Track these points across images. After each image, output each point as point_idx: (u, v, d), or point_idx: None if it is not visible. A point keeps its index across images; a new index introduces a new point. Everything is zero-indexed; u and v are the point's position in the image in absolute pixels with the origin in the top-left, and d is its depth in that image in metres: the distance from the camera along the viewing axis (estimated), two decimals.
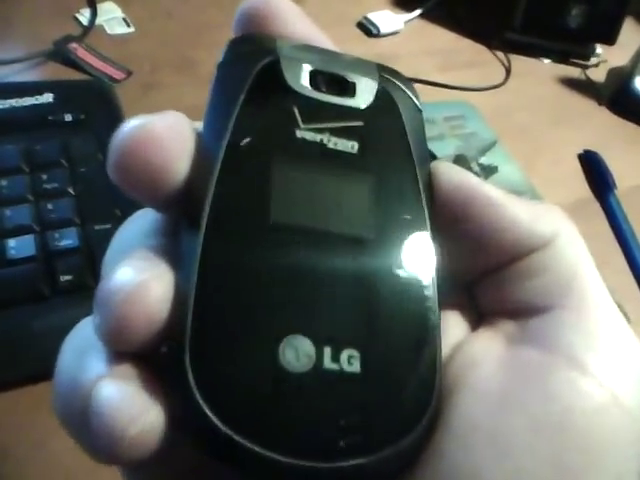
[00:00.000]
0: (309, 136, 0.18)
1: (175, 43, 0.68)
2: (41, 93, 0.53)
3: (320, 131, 0.18)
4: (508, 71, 0.76)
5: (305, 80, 0.19)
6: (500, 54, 0.78)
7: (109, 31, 0.67)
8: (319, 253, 0.17)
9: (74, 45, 0.63)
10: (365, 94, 0.19)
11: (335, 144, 0.18)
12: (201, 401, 0.15)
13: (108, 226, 0.44)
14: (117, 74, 0.61)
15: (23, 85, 0.56)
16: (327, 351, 0.16)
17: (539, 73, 0.78)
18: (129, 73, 0.62)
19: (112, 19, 0.69)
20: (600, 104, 0.74)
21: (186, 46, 0.68)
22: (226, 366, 0.16)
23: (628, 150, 0.69)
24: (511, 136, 0.65)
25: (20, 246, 0.42)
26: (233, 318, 0.16)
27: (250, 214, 0.17)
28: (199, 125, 0.18)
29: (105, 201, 0.46)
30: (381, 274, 0.18)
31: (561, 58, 0.79)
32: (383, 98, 0.20)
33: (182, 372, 0.15)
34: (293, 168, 0.18)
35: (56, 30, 0.64)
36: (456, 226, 0.19)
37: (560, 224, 0.19)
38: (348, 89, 0.19)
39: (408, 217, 0.19)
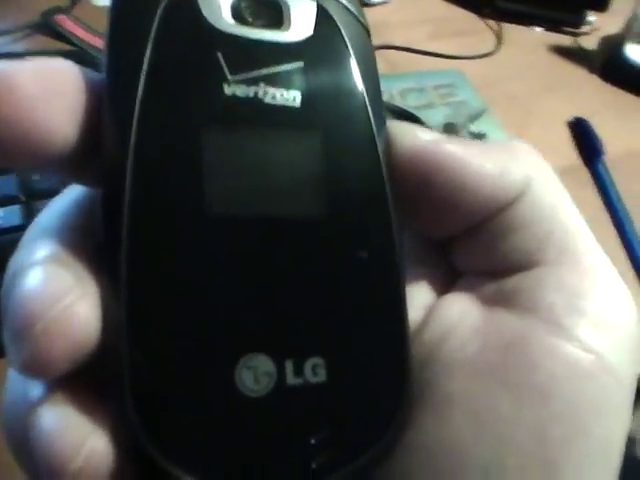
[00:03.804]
0: (240, 91, 0.15)
1: None
2: None
3: (253, 82, 0.15)
4: (499, 39, 0.75)
5: (226, 11, 0.15)
6: (491, 22, 0.78)
7: (95, 2, 0.67)
8: (267, 248, 0.15)
9: (61, 17, 0.62)
10: (301, 22, 0.16)
11: (273, 97, 0.15)
12: (149, 444, 0.13)
13: None
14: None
15: (10, 56, 0.56)
16: (289, 365, 0.15)
17: (530, 41, 0.78)
18: None
19: None
20: (592, 72, 0.74)
21: None
22: (174, 398, 0.14)
23: (619, 117, 0.68)
24: (502, 104, 0.65)
25: (7, 215, 0.43)
26: (177, 339, 0.14)
27: (181, 205, 0.14)
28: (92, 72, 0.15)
29: None
30: (338, 265, 0.16)
31: (552, 26, 0.79)
32: (323, 23, 0.16)
33: (125, 408, 0.13)
34: (227, 139, 0.15)
35: (44, 2, 0.64)
36: (420, 189, 0.17)
37: (531, 168, 0.18)
38: (281, 17, 0.16)
39: (364, 188, 0.16)
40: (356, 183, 0.16)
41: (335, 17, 0.17)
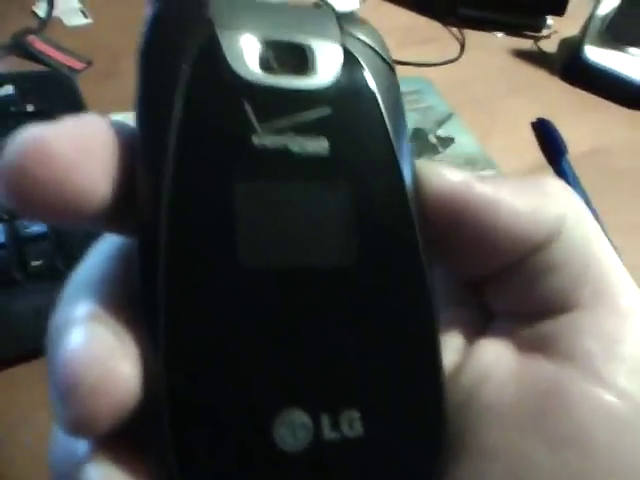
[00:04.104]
0: (269, 142, 0.15)
1: (135, 31, 0.69)
2: (1, 85, 0.53)
3: (281, 132, 0.15)
4: (462, 46, 0.77)
5: (252, 59, 0.15)
6: (455, 30, 0.80)
7: (67, 22, 0.68)
8: (299, 300, 0.15)
9: (32, 38, 0.63)
10: (327, 66, 0.16)
11: (302, 147, 0.15)
12: None
13: None
14: (77, 64, 0.62)
15: None
16: (325, 419, 0.15)
17: (492, 46, 0.80)
18: (89, 63, 0.63)
19: (69, 10, 0.69)
20: (552, 74, 0.76)
21: None
22: (213, 454, 0.14)
23: (580, 116, 0.71)
24: (467, 108, 0.67)
25: None
26: (214, 395, 0.14)
27: (215, 259, 0.14)
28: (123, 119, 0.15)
29: None
30: (371, 313, 0.16)
31: (513, 31, 0.82)
32: (349, 66, 0.16)
33: (165, 464, 0.14)
34: (257, 192, 0.15)
35: (14, 24, 0.64)
36: (452, 230, 0.17)
37: (564, 206, 0.17)
38: (306, 62, 0.16)
39: (394, 234, 0.16)
40: (385, 230, 0.16)
41: (360, 58, 0.16)
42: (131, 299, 0.15)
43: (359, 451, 0.15)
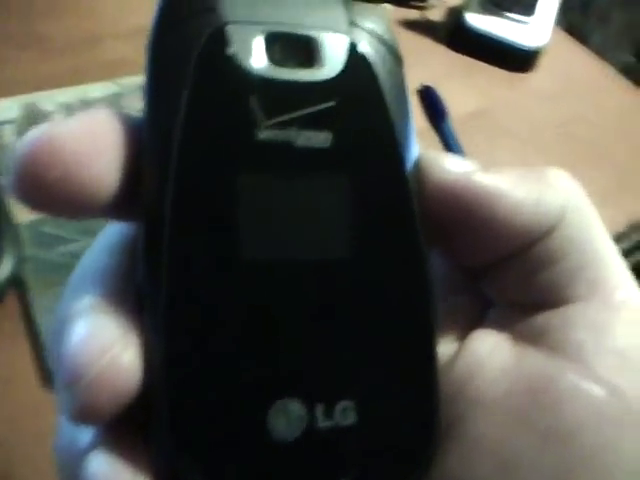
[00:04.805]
0: (273, 136, 0.15)
1: (20, 15, 0.68)
2: None
3: (286, 126, 0.15)
4: None
5: (259, 52, 0.15)
6: None
7: None
8: (299, 292, 0.15)
9: None
10: (333, 58, 0.16)
11: (305, 140, 0.15)
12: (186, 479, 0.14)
13: None
14: None
15: None
16: (320, 409, 0.15)
17: None
18: None
19: None
20: (439, 42, 0.78)
21: (34, 18, 0.68)
22: (210, 443, 0.14)
23: (464, 82, 0.73)
24: None
25: None
26: (212, 386, 0.15)
27: (217, 251, 0.15)
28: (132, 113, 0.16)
29: None
30: (369, 305, 0.16)
31: (401, 1, 0.83)
32: (354, 58, 0.16)
33: (162, 449, 0.14)
34: (261, 183, 0.15)
35: None
36: (453, 221, 0.17)
37: (566, 197, 0.17)
38: (312, 54, 0.16)
39: (395, 227, 0.16)
40: (386, 223, 0.16)
41: (366, 50, 0.16)
42: (133, 290, 0.15)
43: (352, 439, 0.15)
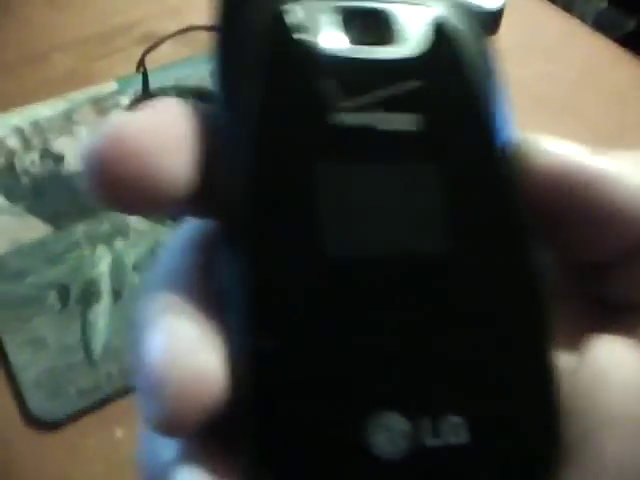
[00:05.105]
0: (355, 119, 0.14)
1: None
2: None
3: (368, 108, 0.14)
4: None
5: (334, 30, 0.14)
6: None
7: None
8: (394, 292, 0.14)
9: None
10: (413, 33, 0.15)
11: (390, 123, 0.14)
12: None
13: None
14: None
15: None
16: (426, 425, 0.13)
17: None
18: None
19: None
20: None
21: None
22: (303, 457, 0.13)
23: None
24: None
25: None
26: (305, 394, 0.13)
27: (303, 249, 0.14)
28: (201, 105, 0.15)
29: None
30: (473, 306, 0.14)
31: None
32: (438, 32, 0.15)
33: (252, 464, 0.13)
34: (341, 173, 0.14)
35: None
36: (564, 211, 0.15)
37: None
38: (389, 30, 0.15)
39: (495, 218, 0.15)
40: (484, 214, 0.15)
41: (449, 23, 0.15)
42: (212, 290, 0.14)
43: (464, 460, 0.14)
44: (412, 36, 0.14)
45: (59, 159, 0.55)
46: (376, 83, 0.14)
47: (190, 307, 0.14)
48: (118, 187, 0.14)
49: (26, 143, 0.56)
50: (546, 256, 0.16)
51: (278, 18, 0.14)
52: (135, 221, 0.51)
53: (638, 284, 0.16)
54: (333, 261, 0.14)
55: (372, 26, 0.14)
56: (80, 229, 0.51)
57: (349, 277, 0.14)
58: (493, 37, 0.74)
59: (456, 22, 0.15)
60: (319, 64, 0.14)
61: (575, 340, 0.16)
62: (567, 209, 0.15)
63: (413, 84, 0.14)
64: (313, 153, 0.14)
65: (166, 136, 0.14)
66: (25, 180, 0.54)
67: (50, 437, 0.41)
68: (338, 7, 0.14)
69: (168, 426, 0.13)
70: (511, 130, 0.15)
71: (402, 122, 0.14)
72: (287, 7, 0.14)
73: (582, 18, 1.29)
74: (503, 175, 0.15)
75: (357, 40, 0.14)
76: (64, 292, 0.47)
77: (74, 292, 0.48)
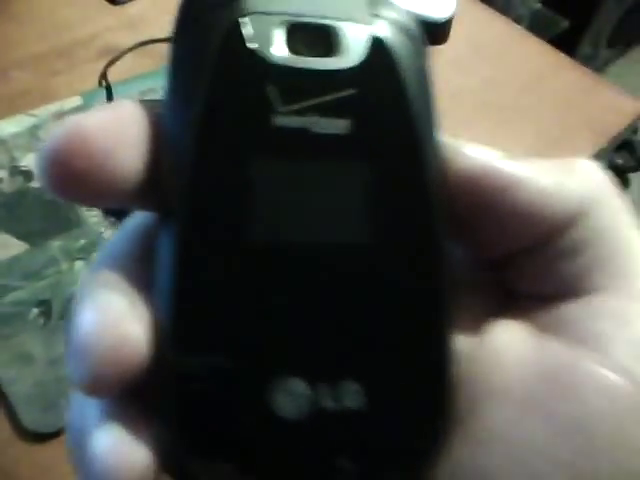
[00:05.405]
0: (290, 122, 0.15)
1: None
2: None
3: (303, 112, 0.15)
4: None
5: (279, 41, 0.16)
6: None
7: None
8: (309, 274, 0.15)
9: None
10: (354, 47, 0.16)
11: (322, 127, 0.15)
12: (187, 458, 0.15)
13: None
14: None
15: None
16: (324, 389, 0.15)
17: None
18: None
19: None
20: None
21: None
22: (214, 418, 0.15)
23: None
24: None
25: None
26: (216, 360, 0.15)
27: (230, 232, 0.15)
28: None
29: None
30: (380, 289, 0.16)
31: None
32: (376, 47, 0.16)
33: (167, 423, 0.15)
34: (276, 168, 0.15)
35: None
36: (474, 210, 0.17)
37: (591, 187, 0.17)
38: (332, 44, 0.16)
39: (411, 214, 0.16)
40: (404, 210, 0.16)
41: (387, 40, 0.16)
42: (148, 271, 0.16)
43: (360, 422, 0.15)
44: (350, 50, 0.16)
45: (28, 175, 0.56)
46: (313, 90, 0.16)
47: (124, 284, 0.16)
48: (72, 178, 0.15)
49: None
50: (456, 248, 0.18)
51: (227, 29, 0.15)
52: (110, 234, 0.52)
53: (532, 276, 0.18)
54: (255, 242, 0.15)
55: (315, 40, 0.16)
56: (55, 245, 0.52)
57: (267, 257, 0.15)
58: (442, 46, 0.77)
59: (392, 39, 0.16)
60: (261, 71, 0.15)
61: (480, 325, 0.18)
62: (479, 207, 0.17)
63: (347, 92, 0.16)
64: (248, 150, 0.15)
65: (119, 133, 0.15)
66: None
67: (45, 449, 0.42)
68: (284, 21, 0.16)
69: (92, 387, 0.15)
70: (435, 137, 0.17)
71: (334, 126, 0.15)
72: (236, 19, 0.15)
73: (519, 20, 1.34)
74: (422, 174, 0.16)
75: (300, 51, 0.16)
76: (46, 308, 0.49)
77: (56, 307, 0.49)
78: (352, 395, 0.15)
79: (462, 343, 0.17)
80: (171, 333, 0.15)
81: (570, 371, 0.16)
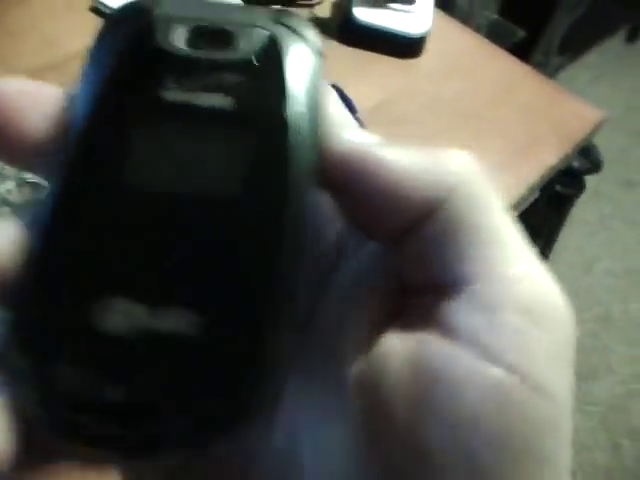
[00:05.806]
0: (175, 96, 0.17)
1: None
2: None
3: (188, 89, 0.17)
4: None
5: (179, 39, 0.17)
6: None
7: None
8: (165, 216, 0.17)
9: None
10: (247, 45, 0.18)
11: (203, 101, 0.17)
12: (17, 353, 0.16)
13: None
14: None
15: None
16: (153, 312, 0.16)
17: None
18: None
19: None
20: (330, 38, 0.82)
21: None
22: (47, 319, 0.16)
23: (363, 75, 0.78)
24: None
25: None
26: (60, 276, 0.16)
27: (103, 177, 0.17)
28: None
29: None
30: (229, 233, 0.17)
31: (288, 2, 0.86)
32: (269, 47, 0.17)
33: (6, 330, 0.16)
34: (152, 130, 0.17)
35: None
36: (347, 192, 0.17)
37: (458, 173, 0.17)
38: (230, 41, 0.18)
39: (271, 174, 0.17)
40: (264, 169, 0.17)
41: (280, 41, 0.18)
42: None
43: (185, 347, 0.16)
44: (245, 46, 0.17)
45: (36, 186, 0.58)
46: (203, 74, 0.17)
47: (13, 226, 0.16)
48: None
49: None
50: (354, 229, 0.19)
51: (135, 31, 0.17)
52: None
53: (407, 269, 0.18)
54: (125, 189, 0.17)
55: (215, 39, 0.18)
56: None
57: (133, 202, 0.17)
58: (418, 59, 0.82)
59: (285, 42, 0.18)
60: (158, 58, 0.17)
61: (371, 337, 0.18)
62: (351, 190, 0.17)
63: (233, 76, 0.17)
64: (135, 114, 0.17)
65: (33, 100, 0.17)
66: (5, 210, 0.56)
67: None
68: (188, 24, 0.18)
69: None
70: (316, 122, 0.17)
71: (215, 100, 0.17)
72: (144, 23, 0.17)
73: (477, 29, 1.39)
74: (284, 149, 0.17)
75: (197, 46, 0.17)
76: None
77: None
78: (182, 321, 0.16)
79: (357, 361, 0.17)
80: (31, 252, 0.16)
81: (448, 370, 0.16)
